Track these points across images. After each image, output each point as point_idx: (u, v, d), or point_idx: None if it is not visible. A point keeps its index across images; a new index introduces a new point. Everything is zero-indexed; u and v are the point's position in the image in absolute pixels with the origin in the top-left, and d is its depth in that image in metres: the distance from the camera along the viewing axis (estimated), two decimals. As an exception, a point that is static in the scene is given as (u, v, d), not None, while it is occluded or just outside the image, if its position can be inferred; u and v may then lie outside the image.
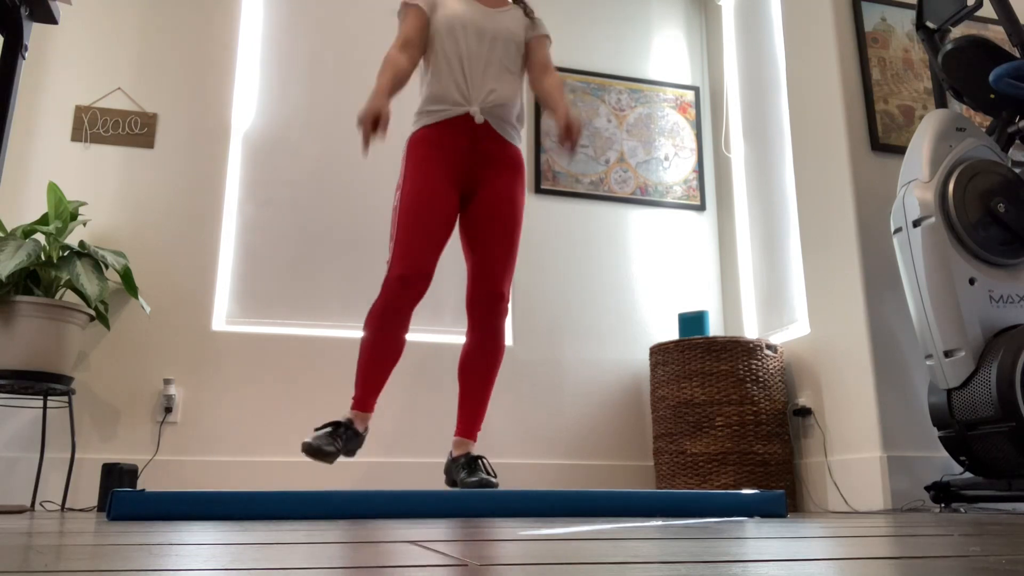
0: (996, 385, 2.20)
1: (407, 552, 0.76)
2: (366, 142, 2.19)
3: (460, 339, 3.46)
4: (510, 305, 3.55)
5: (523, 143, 2.55)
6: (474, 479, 2.29)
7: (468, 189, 2.47)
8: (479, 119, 2.40)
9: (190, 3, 3.57)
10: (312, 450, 2.21)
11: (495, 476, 2.39)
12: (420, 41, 2.45)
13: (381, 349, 2.34)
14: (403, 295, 2.31)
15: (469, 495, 1.92)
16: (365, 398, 2.35)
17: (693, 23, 4.24)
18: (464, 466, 2.37)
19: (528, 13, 2.58)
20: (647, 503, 2.00)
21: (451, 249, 3.50)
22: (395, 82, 2.32)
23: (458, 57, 2.42)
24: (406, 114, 3.12)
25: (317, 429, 2.31)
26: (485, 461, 2.41)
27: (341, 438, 2.29)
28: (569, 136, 2.29)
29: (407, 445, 3.28)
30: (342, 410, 3.27)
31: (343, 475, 3.19)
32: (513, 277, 2.44)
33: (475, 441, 2.47)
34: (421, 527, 1.32)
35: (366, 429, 2.39)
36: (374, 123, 2.19)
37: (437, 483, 3.23)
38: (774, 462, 3.08)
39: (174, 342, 3.20)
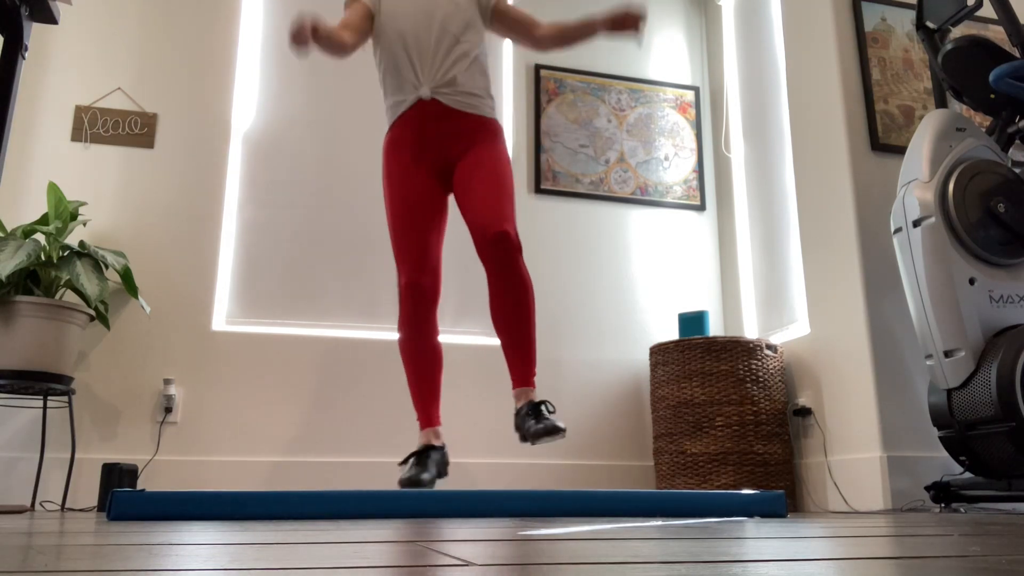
0: (996, 385, 2.20)
1: (407, 552, 0.76)
2: (304, 38, 2.06)
3: (460, 339, 3.47)
4: None
5: (493, 112, 2.50)
6: (540, 426, 2.19)
7: (446, 169, 2.46)
8: (426, 96, 2.39)
9: (190, 3, 3.57)
10: (411, 483, 2.22)
11: (559, 418, 2.32)
12: (361, 27, 2.42)
13: (419, 359, 2.37)
14: (416, 299, 2.34)
15: (469, 495, 1.92)
16: (427, 413, 2.37)
17: (693, 23, 4.24)
18: (529, 414, 2.27)
19: None
20: (647, 503, 2.00)
21: (448, 250, 3.50)
22: (344, 31, 2.31)
23: (403, 46, 2.42)
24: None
25: (401, 464, 2.35)
26: (549, 404, 2.31)
27: (428, 462, 2.32)
28: (629, 18, 2.24)
29: (408, 445, 3.27)
30: (342, 410, 3.27)
31: (343, 475, 3.19)
32: (515, 219, 2.39)
33: (534, 387, 2.37)
34: (421, 527, 1.32)
35: (442, 443, 2.42)
36: (304, 32, 2.06)
37: (437, 482, 3.23)
38: (774, 462, 3.08)
39: (174, 342, 3.20)
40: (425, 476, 2.25)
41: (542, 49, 2.54)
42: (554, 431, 2.18)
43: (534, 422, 2.22)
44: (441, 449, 2.41)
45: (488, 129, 2.46)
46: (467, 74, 2.43)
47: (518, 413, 2.32)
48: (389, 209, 2.43)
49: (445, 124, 2.41)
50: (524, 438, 2.28)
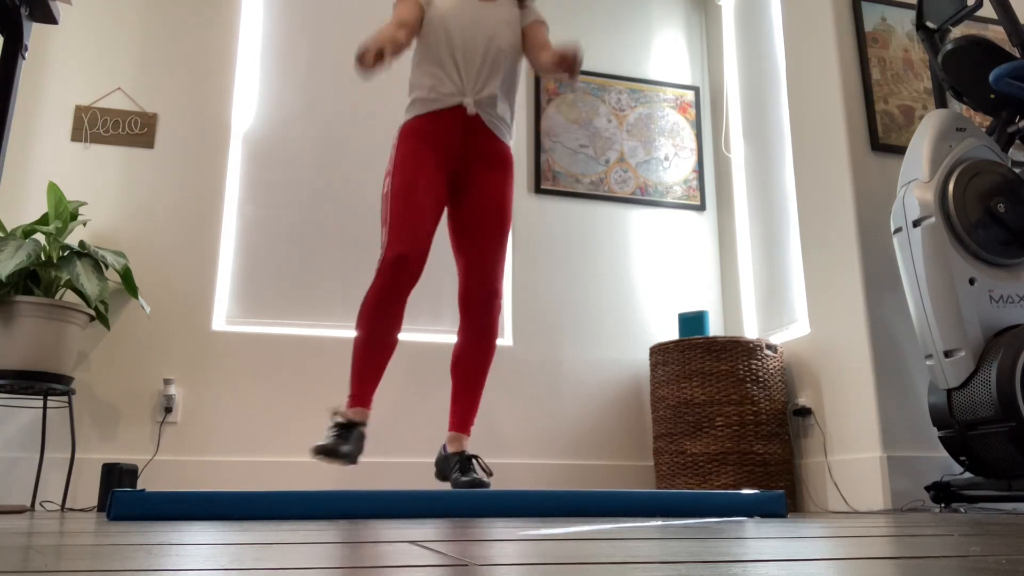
0: (996, 385, 2.20)
1: (407, 552, 0.76)
2: (368, 62, 2.07)
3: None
4: (508, 303, 3.56)
5: (512, 141, 2.54)
6: (467, 479, 2.29)
7: (457, 181, 2.46)
8: (471, 110, 2.39)
9: (190, 3, 3.57)
10: (326, 451, 2.13)
11: (489, 474, 2.40)
12: (415, 25, 2.42)
13: (378, 338, 2.28)
14: (400, 275, 2.26)
15: (468, 495, 1.92)
16: (363, 392, 2.29)
17: (693, 23, 4.24)
18: (457, 465, 2.37)
19: (520, 2, 2.55)
20: (647, 503, 2.00)
21: (447, 248, 3.50)
22: (400, 30, 2.29)
23: (450, 50, 2.40)
24: (396, 104, 3.12)
25: (327, 430, 2.30)
26: (480, 460, 2.41)
27: (351, 436, 2.23)
28: (564, 60, 2.14)
29: (406, 445, 3.28)
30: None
31: (342, 475, 3.19)
32: (504, 274, 2.46)
33: (469, 436, 2.47)
34: (421, 527, 1.32)
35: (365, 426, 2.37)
36: (380, 53, 2.08)
37: (436, 483, 3.23)
38: (774, 462, 3.08)
39: (174, 342, 3.20)
40: (344, 448, 2.16)
41: (532, 67, 2.57)
42: (480, 484, 2.28)
43: (459, 473, 2.34)
44: (364, 436, 2.33)
45: (506, 159, 2.49)
46: (503, 96, 2.45)
47: (447, 458, 2.42)
48: (394, 185, 2.36)
49: (475, 140, 2.42)
50: (443, 479, 2.43)
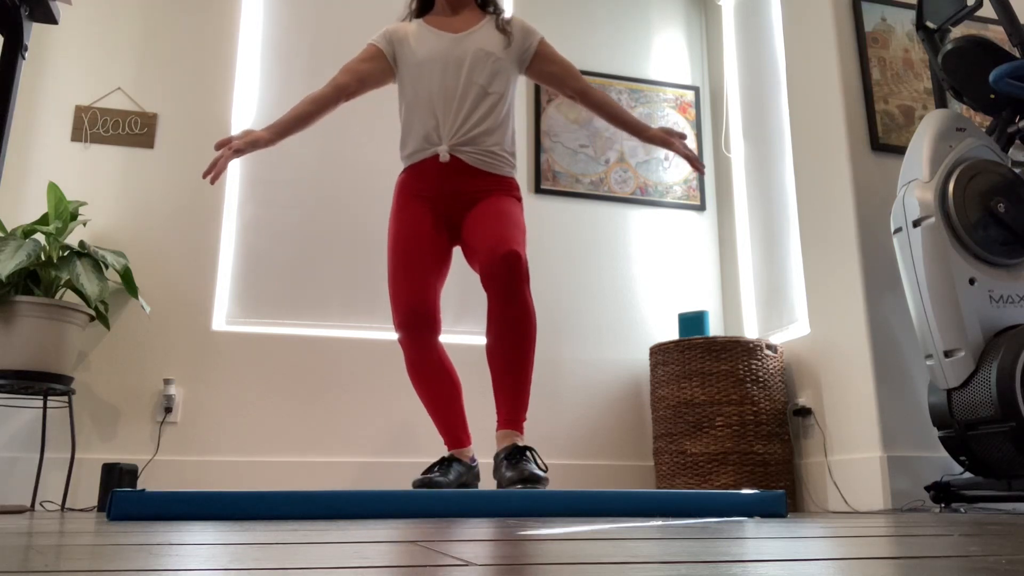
0: (996, 385, 2.20)
1: (407, 552, 0.76)
2: (212, 167, 2.10)
3: (460, 339, 3.46)
4: None
5: (513, 169, 2.39)
6: (511, 474, 2.01)
7: (455, 223, 2.35)
8: (444, 158, 2.27)
9: (190, 3, 3.57)
10: (425, 484, 2.13)
11: (545, 469, 2.08)
12: (363, 73, 2.36)
13: (434, 396, 2.26)
14: (415, 339, 2.20)
15: (469, 495, 1.92)
16: (451, 437, 2.29)
17: (693, 23, 4.24)
18: (505, 461, 2.08)
19: (502, 26, 2.38)
20: (647, 503, 2.00)
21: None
22: (294, 118, 2.26)
23: (428, 97, 2.30)
24: (397, 103, 3.06)
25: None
26: (535, 454, 2.10)
27: (450, 470, 2.22)
28: (682, 148, 2.38)
29: (407, 445, 3.28)
30: (342, 410, 3.27)
31: (342, 475, 3.19)
32: (525, 250, 2.26)
33: (522, 433, 2.17)
34: (421, 527, 1.32)
35: (474, 460, 2.33)
36: (225, 144, 2.13)
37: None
38: (774, 462, 3.08)
39: (174, 342, 3.20)
40: (441, 479, 2.13)
41: (584, 104, 2.44)
42: (532, 479, 1.99)
43: (507, 466, 2.05)
44: (473, 468, 2.30)
45: (502, 187, 2.33)
46: (490, 131, 2.31)
47: (497, 456, 2.14)
48: (392, 247, 2.30)
49: (460, 180, 2.29)
50: (500, 485, 2.08)
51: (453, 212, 2.33)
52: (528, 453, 2.09)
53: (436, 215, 2.32)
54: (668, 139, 2.40)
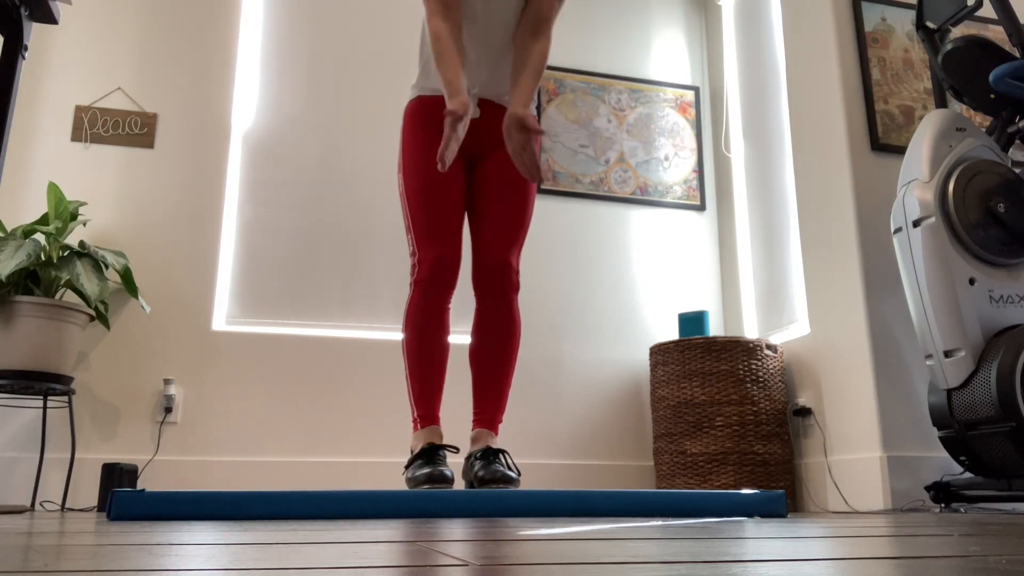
0: (996, 385, 2.20)
1: (406, 552, 0.76)
2: (446, 146, 1.83)
3: (455, 340, 3.46)
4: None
5: (535, 101, 2.20)
6: (484, 473, 1.97)
7: (472, 161, 2.22)
8: (475, 106, 2.11)
9: (190, 3, 3.57)
10: (431, 480, 1.95)
11: (518, 473, 2.04)
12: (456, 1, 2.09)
13: (429, 349, 2.09)
14: (439, 278, 2.07)
15: (469, 494, 1.91)
16: (428, 409, 2.11)
17: (693, 23, 4.24)
18: (480, 458, 2.04)
19: None
20: (647, 503, 2.00)
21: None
22: (461, 65, 1.99)
23: (471, 39, 2.14)
24: (397, 103, 3.08)
25: (407, 467, 2.05)
26: (508, 457, 2.07)
27: (438, 459, 2.03)
28: (525, 128, 1.95)
29: (407, 445, 3.27)
30: (342, 410, 3.27)
31: (342, 475, 3.19)
32: (520, 255, 2.20)
33: (497, 434, 2.12)
34: (421, 527, 1.32)
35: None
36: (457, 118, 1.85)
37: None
38: (774, 462, 3.08)
39: (174, 342, 3.20)
40: (447, 472, 1.98)
41: (522, 38, 2.15)
42: (505, 480, 1.95)
43: (481, 466, 2.00)
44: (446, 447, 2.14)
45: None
46: (508, 70, 2.18)
47: (469, 458, 2.07)
48: (407, 181, 2.14)
49: (483, 120, 2.17)
50: (470, 485, 2.04)
51: (474, 150, 2.19)
52: (501, 456, 2.06)
53: (459, 153, 2.17)
54: (508, 133, 2.02)
